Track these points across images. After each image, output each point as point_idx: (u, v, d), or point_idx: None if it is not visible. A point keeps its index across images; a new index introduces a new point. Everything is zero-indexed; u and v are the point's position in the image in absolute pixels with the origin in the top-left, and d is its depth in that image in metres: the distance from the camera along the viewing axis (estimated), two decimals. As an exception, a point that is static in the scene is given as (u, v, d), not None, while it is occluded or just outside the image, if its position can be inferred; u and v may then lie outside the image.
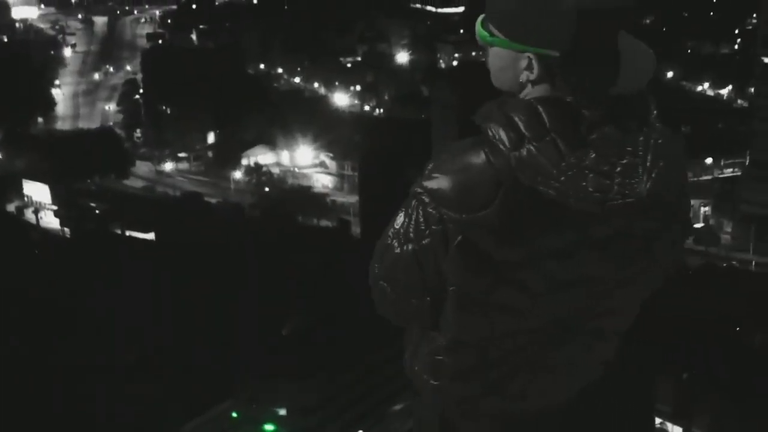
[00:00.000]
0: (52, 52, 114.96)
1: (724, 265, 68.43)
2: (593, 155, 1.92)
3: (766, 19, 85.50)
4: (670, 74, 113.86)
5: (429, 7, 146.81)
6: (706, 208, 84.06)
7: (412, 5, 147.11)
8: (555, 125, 1.93)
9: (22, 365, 45.28)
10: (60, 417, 42.21)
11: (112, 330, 48.48)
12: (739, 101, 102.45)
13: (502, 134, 1.95)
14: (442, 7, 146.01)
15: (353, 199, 75.25)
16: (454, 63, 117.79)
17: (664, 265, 2.28)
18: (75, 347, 46.90)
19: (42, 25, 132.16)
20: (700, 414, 44.44)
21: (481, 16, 2.12)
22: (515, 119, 1.96)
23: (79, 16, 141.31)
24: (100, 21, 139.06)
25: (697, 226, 78.89)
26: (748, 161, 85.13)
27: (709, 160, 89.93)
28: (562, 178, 1.91)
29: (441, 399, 2.41)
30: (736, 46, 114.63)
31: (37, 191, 68.20)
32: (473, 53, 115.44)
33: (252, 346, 43.12)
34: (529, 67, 1.99)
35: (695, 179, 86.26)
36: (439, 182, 2.03)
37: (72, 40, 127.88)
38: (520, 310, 2.16)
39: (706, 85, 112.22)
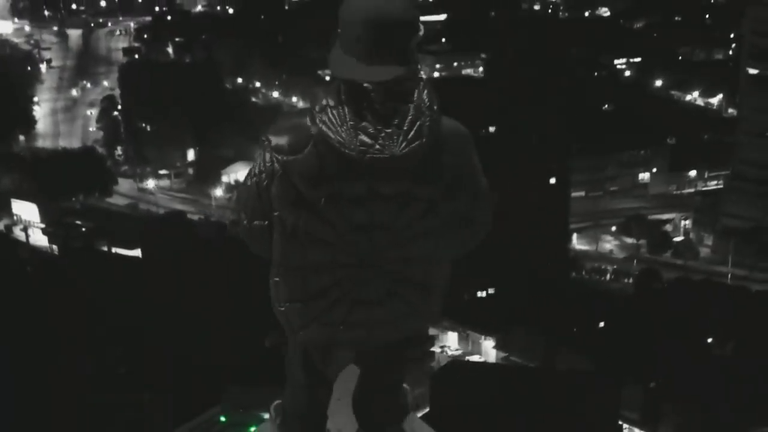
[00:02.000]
0: (29, 68, 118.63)
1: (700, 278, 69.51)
2: (366, 122, 2.85)
3: (752, 28, 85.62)
4: (658, 83, 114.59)
5: None
6: (687, 222, 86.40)
7: None
8: (347, 99, 2.88)
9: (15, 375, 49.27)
10: (53, 425, 46.21)
11: (102, 342, 52.94)
12: (729, 111, 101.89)
13: (315, 105, 2.94)
14: (423, 15, 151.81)
15: None
16: (435, 74, 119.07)
17: (459, 228, 3.14)
18: (65, 358, 51.10)
19: (16, 40, 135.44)
20: (665, 421, 47.09)
21: None
22: (324, 93, 2.94)
23: (54, 29, 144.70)
24: (74, 34, 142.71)
25: (677, 239, 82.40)
26: (730, 174, 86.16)
27: (693, 173, 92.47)
28: (343, 135, 2.83)
29: (289, 326, 3.24)
30: (731, 52, 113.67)
31: (25, 210, 73.13)
32: (455, 63, 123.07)
33: (239, 355, 47.71)
34: None
35: (678, 192, 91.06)
36: (275, 133, 3.02)
37: (47, 55, 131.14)
38: (329, 243, 2.98)
39: (696, 94, 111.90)
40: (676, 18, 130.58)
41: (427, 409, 44.01)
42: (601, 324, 55.44)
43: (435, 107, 2.97)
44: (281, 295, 3.22)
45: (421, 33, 3.00)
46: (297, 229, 3.03)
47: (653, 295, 57.79)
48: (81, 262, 63.40)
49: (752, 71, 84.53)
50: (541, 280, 57.31)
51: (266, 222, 3.17)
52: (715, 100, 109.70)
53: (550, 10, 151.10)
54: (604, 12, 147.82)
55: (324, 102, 2.93)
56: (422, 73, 3.10)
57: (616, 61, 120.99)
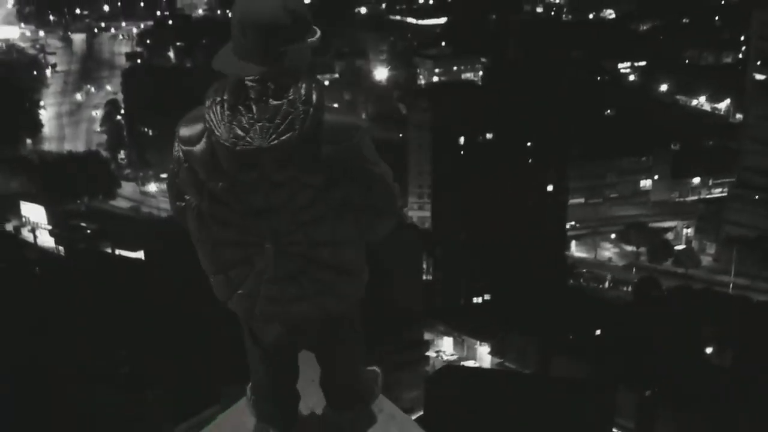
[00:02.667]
0: (35, 73, 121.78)
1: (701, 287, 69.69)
2: (240, 116, 3.13)
3: (758, 33, 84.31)
4: (663, 87, 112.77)
5: (409, 19, 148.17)
6: (689, 230, 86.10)
7: (391, 17, 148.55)
8: (228, 95, 3.18)
9: (19, 374, 51.09)
10: (54, 424, 47.99)
11: (106, 341, 54.90)
12: (737, 116, 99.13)
13: (207, 100, 3.25)
14: (422, 18, 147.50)
15: None
16: (435, 78, 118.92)
17: (357, 215, 3.40)
18: (69, 357, 53.02)
19: (23, 44, 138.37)
20: (660, 429, 47.31)
21: None
22: (215, 90, 3.25)
23: (59, 33, 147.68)
24: (78, 39, 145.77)
25: (679, 247, 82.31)
26: (735, 181, 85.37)
27: (696, 180, 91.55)
28: (221, 128, 3.14)
29: (222, 297, 3.58)
30: (741, 55, 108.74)
31: (33, 212, 75.63)
32: (455, 68, 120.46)
33: (238, 354, 49.68)
34: None
35: (681, 199, 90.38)
36: (181, 127, 3.36)
37: (52, 59, 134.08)
38: (234, 224, 3.33)
39: (703, 98, 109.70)
40: (684, 20, 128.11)
41: (422, 413, 45.52)
42: (598, 332, 56.25)
43: (313, 102, 3.17)
44: (206, 268, 3.59)
45: (314, 38, 3.26)
46: (202, 211, 3.40)
47: (652, 303, 58.46)
48: (86, 263, 65.42)
49: (759, 77, 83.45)
50: (537, 286, 58.48)
51: (183, 203, 3.54)
52: (722, 105, 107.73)
53: (552, 13, 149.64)
54: (609, 14, 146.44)
55: (213, 98, 3.23)
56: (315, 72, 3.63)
57: (620, 65, 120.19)
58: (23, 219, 77.52)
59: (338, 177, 3.27)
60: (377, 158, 3.42)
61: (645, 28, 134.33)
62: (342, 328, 3.75)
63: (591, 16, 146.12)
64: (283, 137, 3.10)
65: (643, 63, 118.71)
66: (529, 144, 75.38)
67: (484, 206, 68.38)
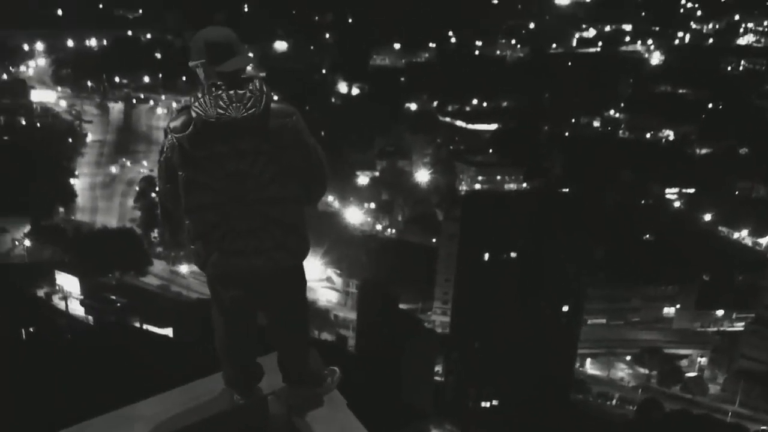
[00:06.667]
0: (70, 140, 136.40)
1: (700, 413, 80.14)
2: (220, 100, 5.15)
3: None
4: (707, 217, 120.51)
5: (459, 122, 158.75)
6: (704, 359, 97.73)
7: (441, 118, 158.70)
8: (207, 89, 5.21)
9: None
10: None
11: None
12: None
13: (192, 98, 5.25)
14: (472, 123, 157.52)
15: (354, 315, 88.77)
16: (477, 186, 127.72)
17: (299, 175, 5.45)
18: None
19: (58, 108, 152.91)
20: None
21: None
22: (196, 93, 5.24)
23: (96, 100, 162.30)
24: (116, 108, 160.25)
25: (690, 374, 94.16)
26: (753, 317, 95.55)
27: (720, 312, 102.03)
28: (209, 109, 5.11)
29: (197, 263, 5.33)
30: None
31: (67, 281, 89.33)
32: (498, 177, 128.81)
33: None
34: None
35: (702, 329, 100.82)
36: (171, 123, 5.31)
37: (88, 127, 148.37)
38: (214, 188, 5.25)
39: (745, 232, 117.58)
40: (743, 149, 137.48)
41: None
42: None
43: (265, 91, 5.27)
44: (192, 234, 5.50)
45: (248, 53, 5.53)
46: (188, 179, 5.35)
47: (651, 423, 69.99)
48: (115, 335, 77.88)
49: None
50: (542, 397, 69.77)
51: (171, 185, 5.50)
52: (764, 241, 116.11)
53: (609, 128, 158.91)
54: (668, 134, 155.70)
55: (197, 95, 5.28)
56: (256, 71, 5.74)
57: (667, 190, 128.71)
58: (57, 287, 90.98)
59: (284, 146, 5.36)
60: (310, 134, 5.54)
61: (702, 152, 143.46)
62: (291, 298, 5.80)
63: (648, 135, 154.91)
64: (251, 111, 5.20)
65: (691, 190, 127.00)
66: (556, 260, 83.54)
67: (500, 319, 78.63)
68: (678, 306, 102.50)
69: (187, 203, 5.38)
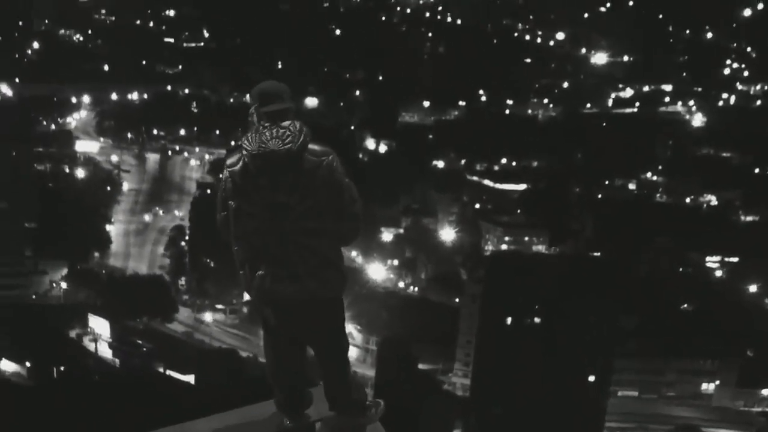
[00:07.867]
0: (108, 188, 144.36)
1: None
2: (263, 136, 5.88)
3: None
4: (753, 288, 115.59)
5: (487, 182, 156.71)
6: None
7: (468, 177, 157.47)
8: (256, 128, 5.98)
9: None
10: None
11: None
12: None
13: (243, 137, 6.03)
14: (501, 182, 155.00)
15: (373, 372, 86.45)
16: (503, 246, 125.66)
17: (332, 210, 5.97)
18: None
19: (99, 158, 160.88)
20: None
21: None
22: (246, 132, 6.04)
23: (135, 151, 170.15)
24: (152, 159, 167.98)
25: None
26: None
27: (766, 392, 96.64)
28: (253, 143, 5.88)
29: (245, 287, 5.88)
30: None
31: (98, 324, 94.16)
32: (526, 238, 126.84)
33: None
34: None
35: (745, 409, 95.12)
36: (227, 160, 6.12)
37: (126, 176, 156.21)
38: (257, 217, 5.90)
39: None
40: None
41: None
42: None
43: (304, 131, 5.87)
44: (239, 259, 6.08)
45: (292, 101, 6.23)
46: (237, 208, 5.98)
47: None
48: (139, 379, 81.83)
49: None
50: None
51: (225, 212, 6.11)
52: None
53: (645, 192, 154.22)
54: (710, 200, 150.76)
55: (247, 134, 5.95)
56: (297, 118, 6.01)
57: (708, 258, 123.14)
58: (89, 329, 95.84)
59: (319, 182, 5.85)
60: (345, 174, 6.01)
61: (747, 219, 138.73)
62: (328, 328, 6.28)
63: (688, 200, 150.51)
64: (288, 146, 5.74)
65: (735, 259, 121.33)
66: (579, 330, 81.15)
67: (522, 385, 77.49)
68: (717, 382, 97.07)
69: (236, 230, 6.10)
